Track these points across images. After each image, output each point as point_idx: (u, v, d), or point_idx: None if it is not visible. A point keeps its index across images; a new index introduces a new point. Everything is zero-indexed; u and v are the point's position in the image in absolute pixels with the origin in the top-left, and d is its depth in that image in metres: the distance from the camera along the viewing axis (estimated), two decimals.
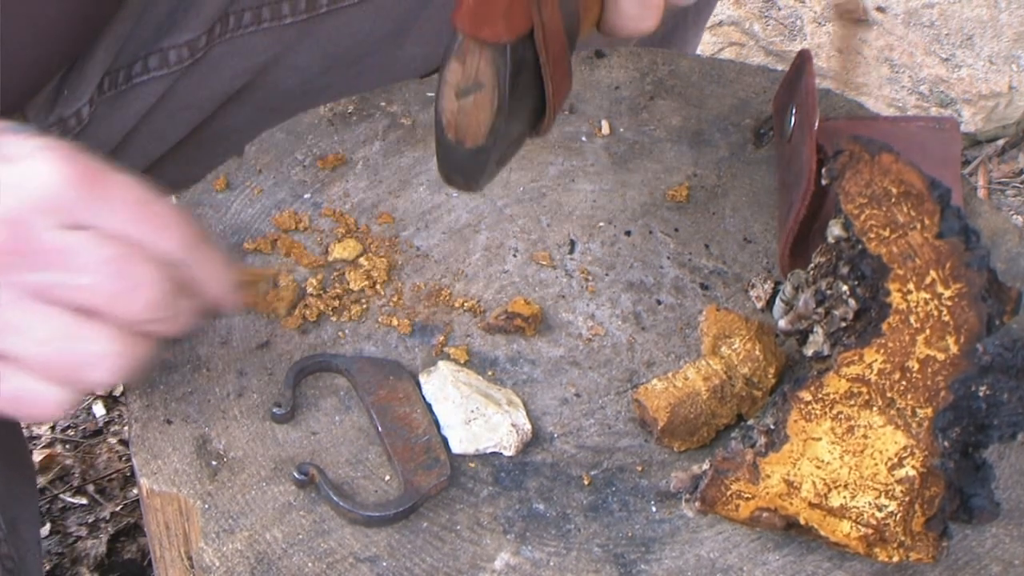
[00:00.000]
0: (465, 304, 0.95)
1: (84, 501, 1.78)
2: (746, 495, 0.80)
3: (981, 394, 0.80)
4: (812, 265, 0.87)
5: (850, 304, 0.83)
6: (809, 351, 0.86)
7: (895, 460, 0.79)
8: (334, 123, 1.06)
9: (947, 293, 0.81)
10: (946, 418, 0.79)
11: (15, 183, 0.78)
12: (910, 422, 0.80)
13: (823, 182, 0.86)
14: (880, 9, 2.33)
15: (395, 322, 0.93)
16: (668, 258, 0.99)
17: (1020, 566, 0.84)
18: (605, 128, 1.08)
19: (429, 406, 0.88)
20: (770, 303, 0.96)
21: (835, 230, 0.85)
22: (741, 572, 0.82)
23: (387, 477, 0.85)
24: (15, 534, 1.12)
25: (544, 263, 0.98)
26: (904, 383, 0.80)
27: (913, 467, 0.79)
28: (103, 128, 1.12)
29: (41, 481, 1.78)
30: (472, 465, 0.86)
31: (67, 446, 1.84)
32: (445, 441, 0.86)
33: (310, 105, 1.07)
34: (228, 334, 0.92)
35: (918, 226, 0.82)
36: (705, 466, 0.81)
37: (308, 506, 0.83)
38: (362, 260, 0.97)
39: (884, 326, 0.81)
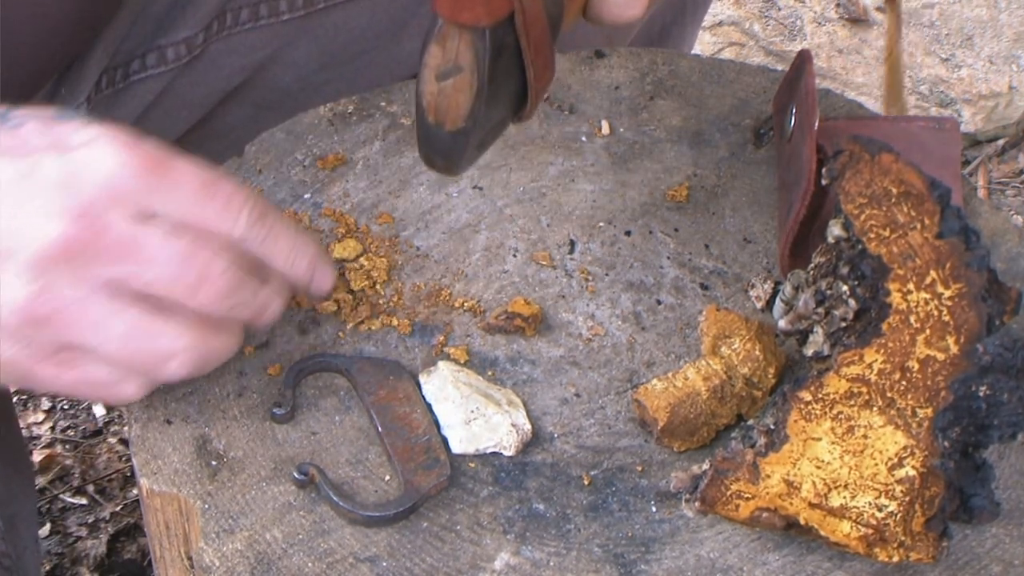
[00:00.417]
0: (465, 304, 0.95)
1: (84, 501, 1.78)
2: (746, 495, 0.80)
3: (981, 394, 0.80)
4: (812, 265, 0.87)
5: (850, 304, 0.83)
6: (809, 351, 0.86)
7: (895, 460, 0.79)
8: (334, 123, 1.06)
9: (947, 293, 0.81)
10: (946, 418, 0.79)
11: (79, 173, 0.78)
12: (910, 422, 0.80)
13: (823, 182, 0.86)
14: (880, 9, 2.33)
15: (395, 322, 0.93)
16: (668, 258, 0.99)
17: (1020, 566, 0.84)
18: (605, 128, 1.08)
19: (429, 406, 0.88)
20: (770, 303, 0.96)
21: (835, 230, 0.85)
22: (741, 572, 0.82)
23: (387, 477, 0.85)
24: (13, 532, 1.12)
25: (544, 263, 0.98)
26: (904, 383, 0.80)
27: (913, 467, 0.79)
28: None
29: (41, 481, 1.78)
30: (472, 465, 0.86)
31: (67, 446, 1.84)
32: (445, 441, 0.86)
33: (308, 102, 1.07)
34: None
35: (918, 226, 0.82)
36: (705, 466, 0.81)
37: (308, 506, 0.83)
38: (362, 260, 0.97)
39: (884, 326, 0.81)
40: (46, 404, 1.89)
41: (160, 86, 1.12)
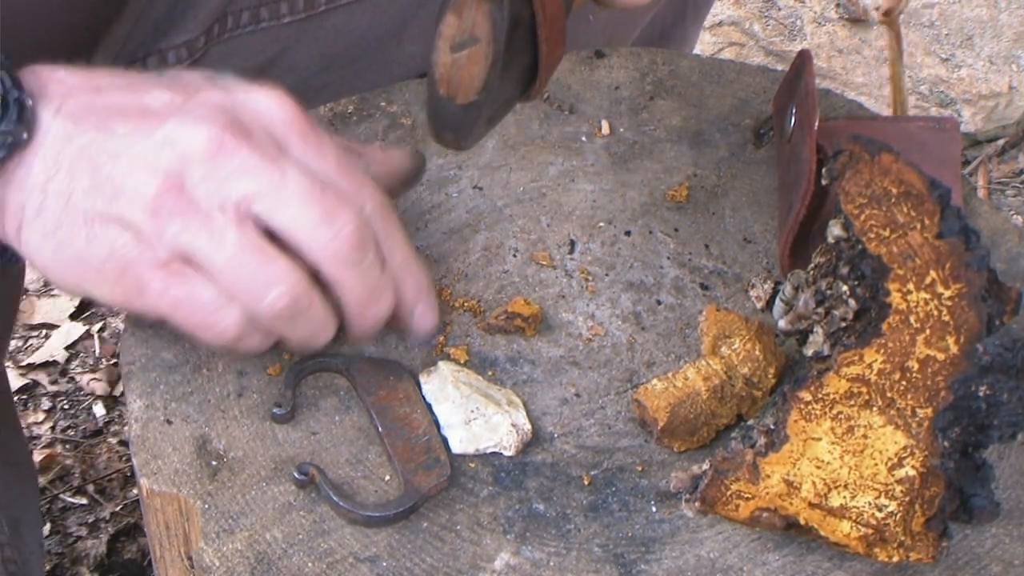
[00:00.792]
0: (465, 304, 0.95)
1: (84, 501, 1.78)
2: (746, 495, 0.80)
3: (981, 394, 0.80)
4: (812, 265, 0.87)
5: (850, 304, 0.83)
6: (809, 351, 0.86)
7: (895, 460, 0.79)
8: (334, 123, 1.06)
9: (947, 293, 0.81)
10: (946, 418, 0.79)
11: (245, 101, 0.83)
12: (910, 422, 0.80)
13: (823, 182, 0.86)
14: (883, 17, 2.32)
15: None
16: (668, 258, 0.99)
17: (1020, 566, 0.84)
18: (605, 128, 1.08)
19: (429, 406, 0.88)
20: (770, 303, 0.96)
21: (835, 230, 0.85)
22: (741, 572, 0.82)
23: (387, 477, 0.85)
24: (17, 536, 1.12)
25: (544, 263, 0.98)
26: (904, 383, 0.80)
27: (913, 467, 0.79)
28: None
29: (41, 481, 1.78)
30: (472, 465, 0.86)
31: (67, 446, 1.84)
32: (445, 441, 0.86)
33: (308, 104, 1.07)
34: None
35: (918, 226, 0.82)
36: (705, 466, 0.81)
37: (308, 506, 0.83)
38: None
39: (884, 326, 0.81)
40: (46, 404, 1.89)
41: None
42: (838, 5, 2.33)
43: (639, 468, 0.87)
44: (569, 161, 1.05)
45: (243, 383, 0.89)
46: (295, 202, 0.81)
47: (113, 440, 1.85)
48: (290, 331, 0.84)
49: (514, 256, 0.98)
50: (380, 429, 0.86)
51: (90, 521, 1.76)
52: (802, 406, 0.80)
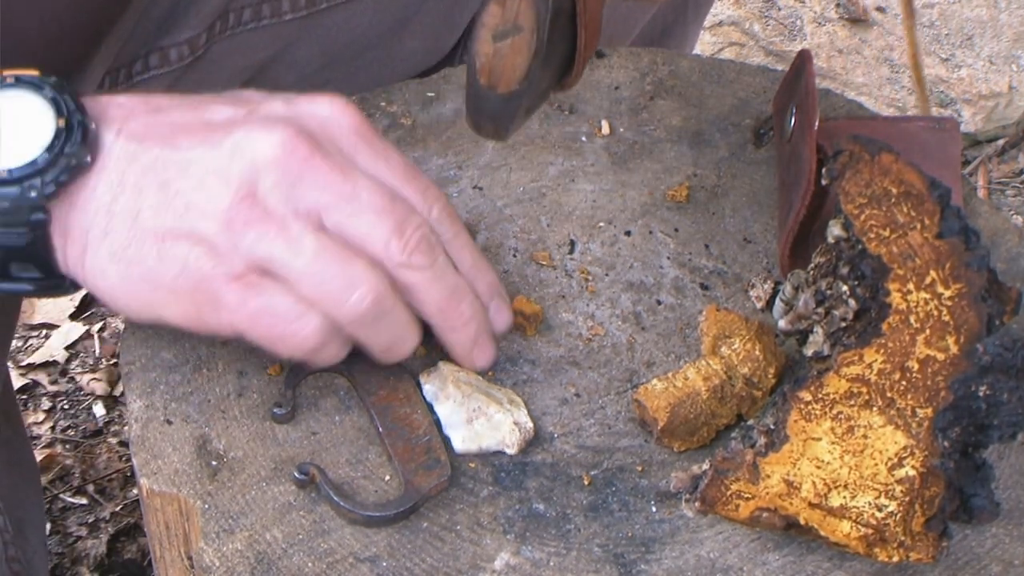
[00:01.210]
0: None
1: (84, 501, 1.78)
2: (746, 495, 0.80)
3: (981, 394, 0.80)
4: (812, 265, 0.87)
5: (850, 304, 0.83)
6: (809, 351, 0.86)
7: (895, 460, 0.79)
8: None
9: (947, 293, 0.81)
10: (946, 418, 0.79)
11: (309, 111, 0.83)
12: (910, 422, 0.80)
13: (823, 182, 0.86)
14: (880, 9, 2.33)
15: None
16: (668, 258, 0.99)
17: (1020, 566, 0.84)
18: (605, 128, 1.08)
19: (430, 406, 0.88)
20: (770, 303, 0.96)
21: (835, 230, 0.85)
22: (741, 572, 0.82)
23: (387, 477, 0.85)
24: (22, 537, 1.12)
25: (544, 263, 0.98)
26: (904, 383, 0.80)
27: (913, 467, 0.79)
28: None
29: (41, 481, 1.78)
30: (472, 465, 0.86)
31: (67, 446, 1.84)
32: (447, 441, 0.86)
33: None
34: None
35: (918, 226, 0.82)
36: (705, 466, 0.81)
37: (308, 506, 0.83)
38: None
39: (884, 326, 0.81)
40: (46, 404, 1.89)
41: (163, 87, 1.12)
42: (838, 5, 2.33)
43: (639, 468, 0.87)
44: (569, 161, 1.05)
45: (243, 383, 0.89)
46: (368, 215, 0.81)
47: (113, 440, 1.85)
48: (373, 336, 0.83)
49: (514, 256, 0.98)
50: (380, 429, 0.86)
51: (90, 521, 1.76)
52: (802, 406, 0.80)
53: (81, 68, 1.07)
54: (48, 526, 1.74)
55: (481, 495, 0.85)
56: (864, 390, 0.80)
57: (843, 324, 0.83)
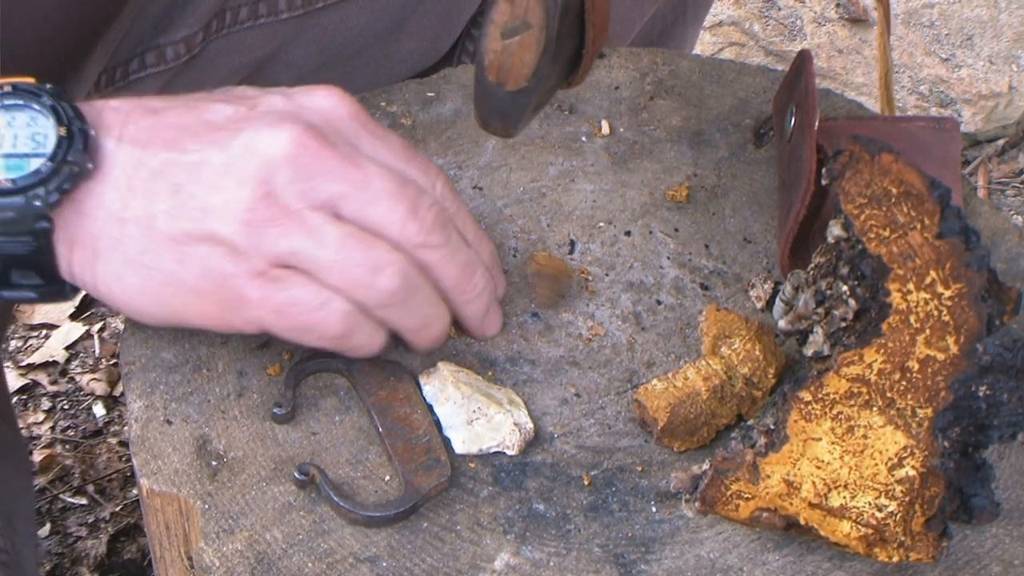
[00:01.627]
0: None
1: (84, 501, 1.78)
2: (746, 495, 0.80)
3: (981, 394, 0.80)
4: (812, 265, 0.87)
5: (850, 304, 0.83)
6: (809, 351, 0.86)
7: (895, 460, 0.79)
8: None
9: (947, 293, 0.81)
10: (946, 418, 0.79)
11: (311, 104, 0.84)
12: (910, 422, 0.80)
13: (823, 182, 0.86)
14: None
15: None
16: (668, 258, 0.99)
17: (1020, 566, 0.84)
18: (605, 128, 1.08)
19: (430, 407, 0.88)
20: (770, 303, 0.96)
21: (835, 230, 0.85)
22: (741, 572, 0.82)
23: (387, 477, 0.85)
24: (11, 528, 1.12)
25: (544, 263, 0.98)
26: (904, 383, 0.80)
27: (913, 467, 0.79)
28: None
29: (41, 481, 1.78)
30: (472, 465, 0.86)
31: (67, 446, 1.84)
32: (448, 442, 0.86)
33: None
34: (228, 334, 0.91)
35: (918, 226, 0.82)
36: (705, 466, 0.81)
37: (308, 506, 0.83)
38: None
39: (884, 326, 0.81)
40: (46, 404, 1.89)
41: (159, 85, 1.12)
42: (838, 5, 2.33)
43: (639, 468, 0.87)
44: (569, 161, 1.05)
45: (243, 383, 0.89)
46: (383, 200, 0.82)
47: (113, 440, 1.85)
48: (405, 317, 0.84)
49: (514, 256, 0.98)
50: (380, 429, 0.86)
51: (90, 521, 1.76)
52: (802, 406, 0.80)
53: (77, 67, 1.07)
54: (48, 526, 1.74)
55: (481, 495, 0.85)
56: (864, 390, 0.80)
57: (843, 324, 0.83)
